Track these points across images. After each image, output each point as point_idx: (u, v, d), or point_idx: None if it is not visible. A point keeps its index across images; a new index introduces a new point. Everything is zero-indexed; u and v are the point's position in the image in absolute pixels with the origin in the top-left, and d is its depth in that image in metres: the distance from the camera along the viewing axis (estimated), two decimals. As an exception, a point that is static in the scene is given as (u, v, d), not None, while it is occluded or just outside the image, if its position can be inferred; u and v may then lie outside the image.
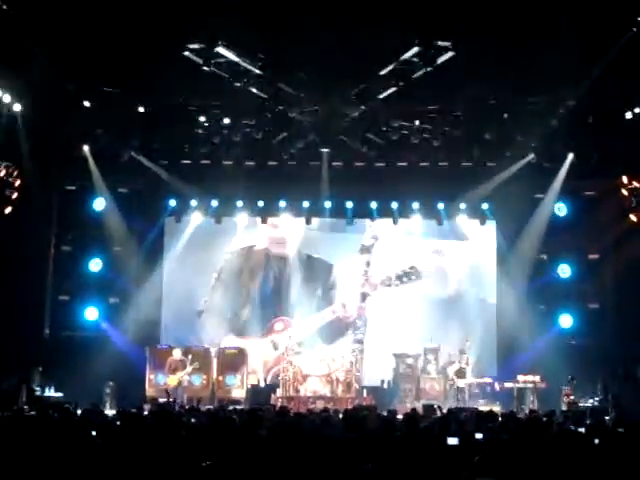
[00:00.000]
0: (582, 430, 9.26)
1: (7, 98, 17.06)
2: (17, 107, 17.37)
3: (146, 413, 11.97)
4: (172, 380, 19.11)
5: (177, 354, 19.45)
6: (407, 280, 21.47)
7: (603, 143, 18.43)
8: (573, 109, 18.54)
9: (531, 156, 20.04)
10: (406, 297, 21.62)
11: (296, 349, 19.98)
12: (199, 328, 21.70)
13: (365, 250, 21.95)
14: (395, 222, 21.73)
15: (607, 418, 15.53)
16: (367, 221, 21.93)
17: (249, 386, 20.54)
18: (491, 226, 21.70)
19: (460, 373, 19.86)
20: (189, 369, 19.20)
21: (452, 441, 8.25)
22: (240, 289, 22.08)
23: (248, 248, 22.18)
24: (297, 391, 19.15)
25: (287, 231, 22.18)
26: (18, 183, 17.36)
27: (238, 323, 21.97)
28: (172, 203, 21.39)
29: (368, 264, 21.88)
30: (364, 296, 21.80)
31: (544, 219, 20.49)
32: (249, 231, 22.04)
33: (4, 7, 14.54)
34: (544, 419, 11.22)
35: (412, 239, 21.91)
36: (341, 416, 11.43)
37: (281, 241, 22.24)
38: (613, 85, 17.35)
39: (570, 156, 19.68)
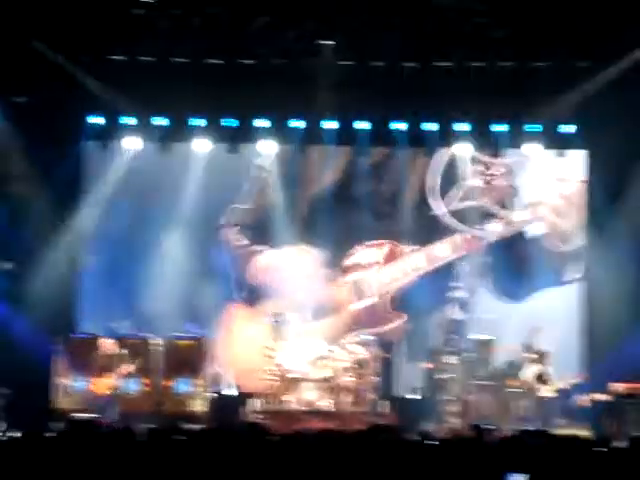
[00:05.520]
0: None
1: None
2: None
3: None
4: (101, 386, 16.92)
5: (108, 346, 17.29)
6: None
7: None
8: None
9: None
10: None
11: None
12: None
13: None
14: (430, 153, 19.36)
15: None
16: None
17: (214, 396, 17.93)
18: (578, 162, 19.04)
19: (543, 378, 17.64)
20: (129, 368, 17.06)
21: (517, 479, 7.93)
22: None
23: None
24: (281, 402, 17.00)
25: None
26: None
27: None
28: (96, 121, 19.06)
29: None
30: None
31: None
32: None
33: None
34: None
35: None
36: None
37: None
38: None
39: None
